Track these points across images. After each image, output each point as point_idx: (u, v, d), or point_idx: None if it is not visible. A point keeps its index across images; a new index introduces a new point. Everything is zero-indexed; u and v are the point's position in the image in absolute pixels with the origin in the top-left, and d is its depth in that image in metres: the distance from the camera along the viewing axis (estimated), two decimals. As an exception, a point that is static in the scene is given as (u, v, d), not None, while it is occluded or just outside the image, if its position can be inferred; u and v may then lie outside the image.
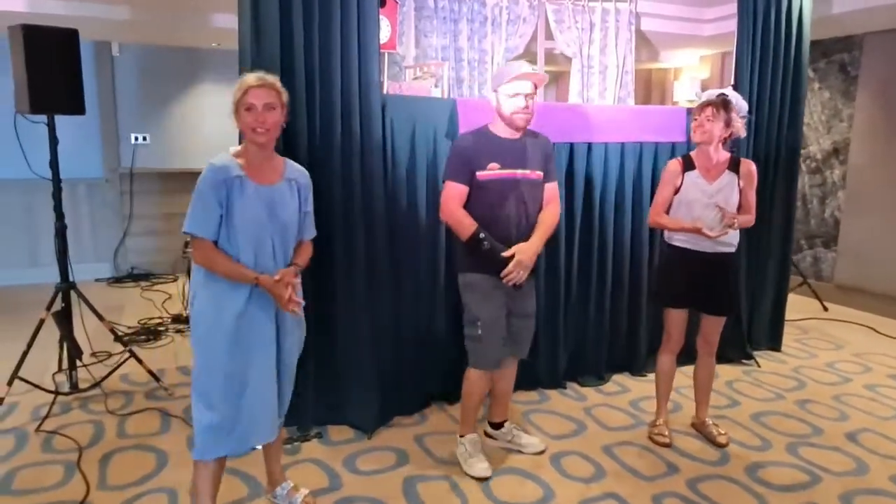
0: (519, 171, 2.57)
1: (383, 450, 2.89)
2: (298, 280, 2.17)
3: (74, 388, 3.39)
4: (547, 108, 3.37)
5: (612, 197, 3.62)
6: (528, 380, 3.43)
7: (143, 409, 3.25)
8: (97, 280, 5.90)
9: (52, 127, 3.22)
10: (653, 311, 3.76)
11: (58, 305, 3.31)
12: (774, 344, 4.30)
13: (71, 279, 3.33)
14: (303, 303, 2.16)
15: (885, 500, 2.58)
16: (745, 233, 2.80)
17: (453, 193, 2.56)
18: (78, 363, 3.40)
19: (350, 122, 2.86)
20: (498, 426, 2.95)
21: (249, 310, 2.07)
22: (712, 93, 2.84)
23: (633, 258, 3.73)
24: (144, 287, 5.74)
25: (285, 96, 2.12)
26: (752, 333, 4.24)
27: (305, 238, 2.27)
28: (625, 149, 3.62)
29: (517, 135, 2.60)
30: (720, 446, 2.96)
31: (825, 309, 5.27)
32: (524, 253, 2.53)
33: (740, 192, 2.82)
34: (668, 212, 2.89)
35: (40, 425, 3.04)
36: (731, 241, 2.83)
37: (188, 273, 4.75)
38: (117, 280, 5.95)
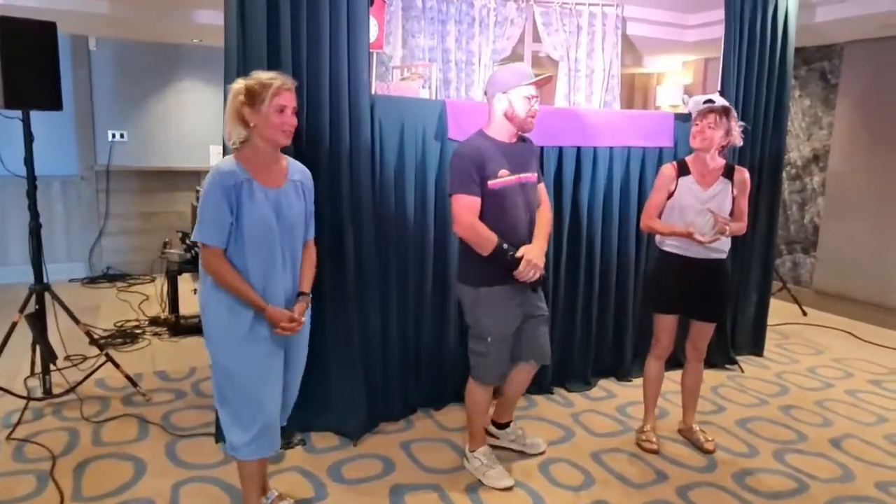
0: (523, 176, 2.55)
1: (369, 457, 2.83)
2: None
3: (48, 393, 3.27)
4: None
5: (599, 201, 3.60)
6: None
7: (119, 416, 3.15)
8: (71, 280, 5.75)
9: (27, 123, 3.10)
10: (639, 316, 3.76)
11: (31, 307, 3.19)
12: (757, 349, 4.33)
13: (45, 280, 3.22)
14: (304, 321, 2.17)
15: (871, 507, 2.59)
16: (730, 238, 2.82)
17: (467, 206, 2.42)
18: (52, 367, 3.28)
19: (339, 122, 2.81)
20: (503, 426, 2.92)
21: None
22: (699, 99, 2.82)
23: (620, 263, 3.72)
24: (120, 288, 5.60)
25: None
26: (735, 338, 4.26)
27: (308, 237, 2.25)
28: (613, 153, 3.61)
29: (514, 138, 2.57)
30: (707, 452, 2.96)
31: (804, 314, 5.33)
32: (532, 253, 2.47)
33: (733, 199, 2.82)
34: (660, 216, 2.88)
35: (11, 433, 2.93)
36: (722, 247, 2.83)
37: (166, 274, 4.69)
38: (92, 280, 5.81)
